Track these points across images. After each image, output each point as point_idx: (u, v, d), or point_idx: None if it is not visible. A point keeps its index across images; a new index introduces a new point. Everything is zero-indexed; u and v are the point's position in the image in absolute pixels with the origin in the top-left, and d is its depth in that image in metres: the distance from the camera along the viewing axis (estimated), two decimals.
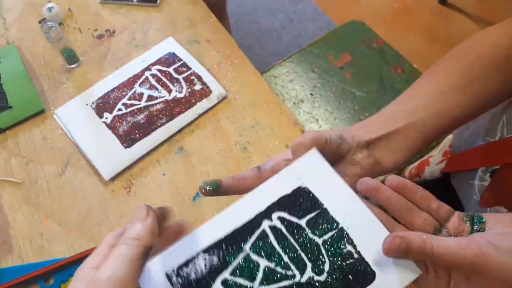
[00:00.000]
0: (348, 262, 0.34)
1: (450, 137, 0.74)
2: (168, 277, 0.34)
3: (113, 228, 0.55)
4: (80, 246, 0.54)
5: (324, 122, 0.98)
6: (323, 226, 0.36)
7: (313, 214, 0.36)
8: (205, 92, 0.62)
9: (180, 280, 0.34)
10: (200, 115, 0.61)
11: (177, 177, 0.58)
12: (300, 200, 0.36)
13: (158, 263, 0.35)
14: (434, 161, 0.74)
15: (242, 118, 0.62)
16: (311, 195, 0.37)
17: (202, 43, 0.69)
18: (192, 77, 0.63)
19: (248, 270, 0.34)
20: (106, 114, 0.61)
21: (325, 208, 0.36)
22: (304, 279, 0.34)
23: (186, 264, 0.35)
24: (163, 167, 0.59)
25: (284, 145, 0.60)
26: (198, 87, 0.62)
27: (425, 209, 0.36)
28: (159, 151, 0.60)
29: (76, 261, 0.52)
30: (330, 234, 0.35)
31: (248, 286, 0.34)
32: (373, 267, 0.34)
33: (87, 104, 0.62)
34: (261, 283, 0.34)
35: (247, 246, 0.35)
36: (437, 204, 0.36)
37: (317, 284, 0.34)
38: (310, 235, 0.35)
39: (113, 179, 0.58)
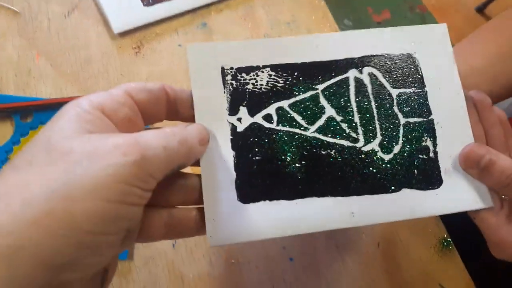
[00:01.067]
0: (421, 156, 0.30)
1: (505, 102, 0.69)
2: (223, 72, 0.29)
3: (111, 84, 0.48)
4: (70, 93, 0.47)
5: None
6: (414, 108, 0.31)
7: (409, 90, 0.31)
8: None
9: (233, 83, 0.29)
10: None
11: None
12: (403, 68, 0.31)
13: (216, 50, 0.30)
14: None
15: (279, 11, 0.55)
16: (418, 69, 0.31)
17: None
18: None
19: (310, 110, 0.30)
20: None
21: (426, 91, 0.31)
22: (366, 148, 0.30)
23: (247, 70, 0.30)
24: (181, 38, 0.52)
25: None
26: None
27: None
28: (180, 21, 0.53)
29: (62, 104, 0.45)
30: (417, 119, 0.31)
31: (303, 126, 0.29)
32: (443, 176, 0.30)
33: None
34: (318, 130, 0.29)
35: (320, 86, 0.30)
36: None
37: (378, 160, 0.29)
38: (396, 109, 0.30)
39: (123, 35, 0.51)
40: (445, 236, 0.45)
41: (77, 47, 0.50)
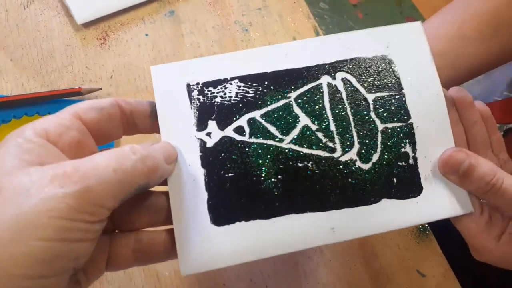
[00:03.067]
0: (400, 163, 0.28)
1: None
2: (189, 88, 0.28)
3: (77, 78, 0.46)
4: (32, 89, 0.45)
5: None
6: (392, 112, 0.29)
7: (385, 94, 0.29)
8: None
9: (200, 97, 0.28)
10: None
11: (161, 41, 0.50)
12: (377, 71, 0.30)
13: (180, 68, 0.28)
14: None
15: None
16: (394, 71, 0.30)
17: None
18: None
19: (284, 119, 0.28)
20: None
21: (403, 94, 0.29)
22: (344, 158, 0.28)
23: (215, 83, 0.28)
24: (148, 27, 0.50)
25: (291, 37, 0.52)
26: None
27: (495, 155, 0.30)
28: (147, 9, 0.51)
29: (24, 101, 0.43)
30: (395, 124, 0.29)
31: (277, 137, 0.28)
32: (423, 183, 0.28)
33: None
34: (293, 140, 0.28)
35: (293, 94, 0.28)
36: (507, 157, 0.30)
37: (357, 170, 0.28)
38: (373, 115, 0.29)
39: (86, 26, 0.49)
40: None
41: (38, 40, 0.48)
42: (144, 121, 0.27)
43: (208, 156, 0.27)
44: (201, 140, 0.27)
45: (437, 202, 0.28)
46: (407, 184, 0.28)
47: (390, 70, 0.30)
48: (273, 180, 0.27)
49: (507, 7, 0.38)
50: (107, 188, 0.20)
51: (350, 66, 0.29)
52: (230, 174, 0.27)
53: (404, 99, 0.29)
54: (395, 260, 0.43)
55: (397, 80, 0.30)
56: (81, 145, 0.23)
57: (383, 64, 0.30)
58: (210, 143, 0.27)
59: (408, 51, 0.30)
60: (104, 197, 0.20)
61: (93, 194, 0.19)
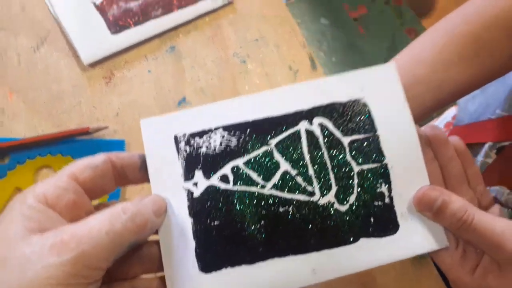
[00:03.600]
0: (376, 203, 0.30)
1: (454, 108, 0.70)
2: (176, 140, 0.30)
3: (85, 117, 0.49)
4: (44, 130, 0.48)
5: (326, 72, 0.92)
6: (367, 154, 0.30)
7: (361, 136, 0.31)
8: None
9: (187, 149, 0.30)
10: (201, 16, 0.55)
11: (164, 78, 0.52)
12: (352, 115, 0.31)
13: (168, 121, 0.30)
14: None
15: (246, 28, 0.56)
16: (368, 114, 0.31)
17: None
18: None
19: (265, 167, 0.30)
20: None
21: (378, 135, 0.31)
22: (323, 201, 0.30)
23: (200, 134, 0.30)
24: (150, 64, 0.53)
25: (287, 67, 0.54)
26: None
27: (472, 189, 0.31)
28: (149, 46, 0.53)
29: (38, 143, 0.46)
30: (370, 166, 0.30)
31: (259, 184, 0.29)
32: (399, 220, 0.30)
33: None
34: (274, 186, 0.29)
35: (273, 141, 0.30)
36: (484, 188, 0.32)
37: (335, 212, 0.29)
38: (348, 158, 0.30)
39: (92, 65, 0.52)
40: None
41: (48, 82, 0.50)
42: (135, 174, 0.28)
43: (195, 206, 0.28)
44: (188, 190, 0.29)
45: (413, 238, 0.29)
46: (384, 223, 0.29)
47: (365, 112, 0.31)
48: (256, 226, 0.29)
49: (486, 31, 0.39)
50: (100, 250, 0.22)
51: (326, 111, 0.31)
52: (216, 223, 0.28)
53: (378, 140, 0.30)
54: (393, 285, 0.44)
55: (372, 122, 0.31)
56: (77, 205, 0.25)
57: (358, 108, 0.31)
58: (196, 192, 0.29)
59: (382, 93, 0.31)
60: (99, 259, 0.22)
61: (87, 258, 0.22)
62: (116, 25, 0.52)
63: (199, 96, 0.51)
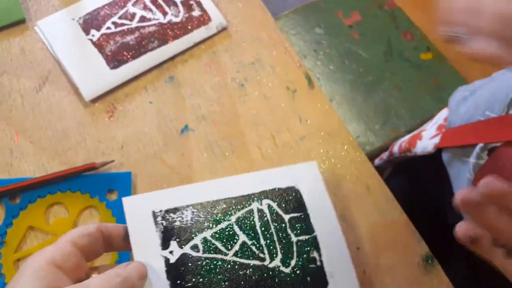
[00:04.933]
0: (311, 266, 0.38)
1: (445, 110, 0.70)
2: (154, 215, 0.36)
3: (90, 152, 0.50)
4: (52, 168, 0.49)
5: (325, 81, 0.93)
6: (301, 229, 0.39)
7: (296, 215, 0.39)
8: (204, 19, 0.56)
9: (164, 223, 0.36)
10: (196, 44, 0.56)
11: (165, 107, 0.53)
12: (289, 198, 0.40)
13: (146, 199, 0.36)
14: (428, 135, 0.70)
15: (241, 53, 0.57)
16: (300, 198, 0.40)
17: None
18: (191, 2, 0.57)
19: (227, 238, 0.37)
20: (93, 31, 0.55)
21: (308, 214, 0.40)
22: (272, 265, 0.37)
23: (174, 210, 0.36)
24: (151, 95, 0.54)
25: (285, 87, 0.55)
26: (196, 13, 0.57)
27: None
28: (148, 78, 0.55)
29: (47, 181, 0.47)
30: (304, 237, 0.39)
31: (224, 252, 0.36)
32: (328, 279, 0.38)
33: (73, 19, 0.56)
34: (235, 254, 0.36)
35: (233, 218, 0.38)
36: None
37: (281, 273, 0.37)
38: (289, 230, 0.39)
39: (94, 101, 0.53)
40: (427, 252, 0.47)
41: (53, 121, 0.52)
42: (119, 242, 0.33)
43: (172, 270, 0.34)
44: (166, 257, 0.34)
45: None
46: (318, 280, 0.38)
47: (298, 197, 0.40)
48: (222, 286, 0.35)
49: None
50: None
51: (271, 195, 0.39)
52: (189, 284, 0.34)
53: (309, 218, 0.39)
54: None
55: (303, 204, 0.40)
56: (78, 267, 0.29)
57: (293, 193, 0.40)
58: (172, 259, 0.34)
59: (308, 183, 0.41)
60: None
61: None
62: (114, 60, 0.54)
63: (201, 123, 0.52)
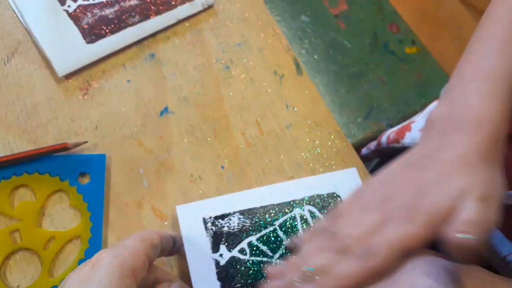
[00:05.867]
0: None
1: (436, 102, 0.70)
2: (205, 221, 0.39)
3: (62, 132, 0.47)
4: (19, 147, 0.46)
5: (309, 70, 0.91)
6: None
7: None
8: None
9: (213, 228, 0.39)
10: (180, 21, 0.53)
11: (144, 87, 0.50)
12: (330, 203, 0.42)
13: (197, 207, 0.40)
14: (417, 127, 0.69)
15: (228, 33, 0.54)
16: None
17: None
18: None
19: (272, 242, 0.39)
20: (69, 2, 0.51)
21: None
22: None
23: (222, 217, 0.40)
24: (129, 73, 0.50)
25: (273, 72, 0.52)
26: None
27: None
28: (127, 54, 0.51)
29: (12, 161, 0.44)
30: None
31: (269, 255, 0.39)
32: None
33: None
34: (279, 257, 0.39)
35: (277, 222, 0.40)
36: None
37: None
38: None
39: (68, 77, 0.49)
40: None
41: (21, 95, 0.48)
42: (166, 250, 0.35)
43: (222, 272, 0.37)
44: (216, 260, 0.38)
45: None
46: None
47: (338, 202, 0.42)
48: None
49: None
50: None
51: (313, 201, 0.42)
52: (238, 285, 0.37)
53: None
54: None
55: None
56: (144, 277, 0.30)
57: (334, 198, 0.42)
58: (222, 262, 0.38)
59: (348, 188, 0.41)
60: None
61: None
62: (91, 34, 0.50)
63: (182, 105, 0.49)
